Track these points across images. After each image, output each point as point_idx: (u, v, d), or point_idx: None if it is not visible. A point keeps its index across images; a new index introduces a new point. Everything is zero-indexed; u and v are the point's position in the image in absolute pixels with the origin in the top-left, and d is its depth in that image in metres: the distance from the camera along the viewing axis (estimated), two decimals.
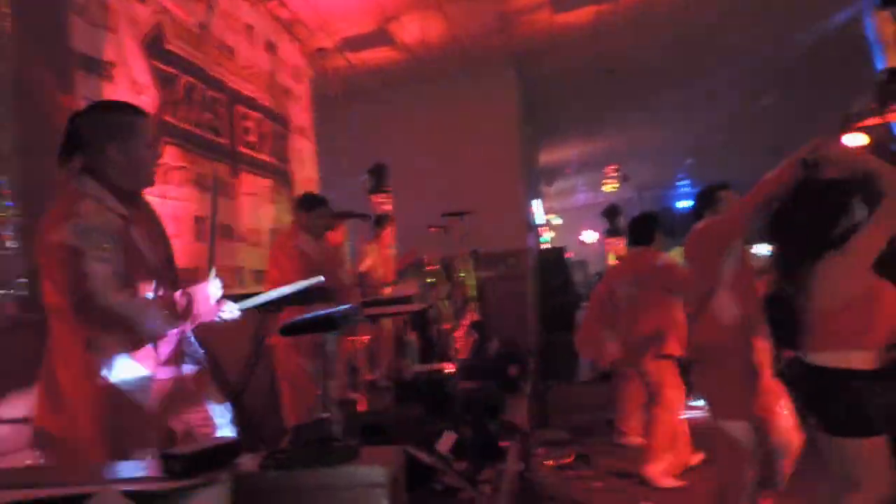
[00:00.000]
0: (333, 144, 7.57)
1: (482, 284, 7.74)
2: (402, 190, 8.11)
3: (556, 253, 12.88)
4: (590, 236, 18.85)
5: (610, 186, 14.07)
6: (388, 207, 7.85)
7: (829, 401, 2.62)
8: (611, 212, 8.36)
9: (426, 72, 9.02)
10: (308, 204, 4.50)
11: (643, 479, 5.12)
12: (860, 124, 2.23)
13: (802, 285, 2.68)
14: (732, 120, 13.40)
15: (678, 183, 19.34)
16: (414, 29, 7.96)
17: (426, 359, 6.16)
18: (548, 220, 18.41)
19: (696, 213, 3.98)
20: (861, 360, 2.56)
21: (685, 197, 20.06)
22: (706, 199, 3.93)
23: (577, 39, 8.88)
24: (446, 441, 4.02)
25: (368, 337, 5.42)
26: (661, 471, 5.10)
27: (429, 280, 6.05)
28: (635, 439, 5.89)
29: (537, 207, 14.26)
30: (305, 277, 4.30)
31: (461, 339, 6.87)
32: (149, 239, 2.21)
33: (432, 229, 6.26)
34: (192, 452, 1.47)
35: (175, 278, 2.31)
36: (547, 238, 17.22)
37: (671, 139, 14.47)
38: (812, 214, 2.68)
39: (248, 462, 1.59)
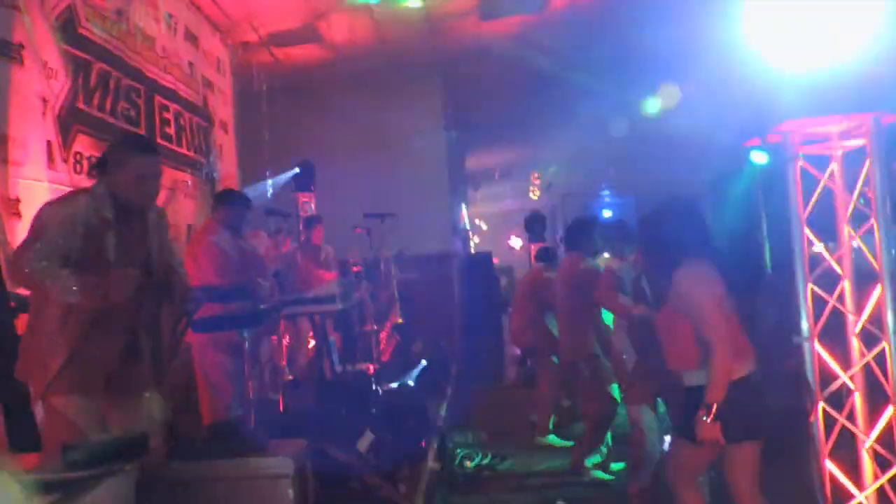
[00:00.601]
0: (256, 140, 7.44)
1: (406, 286, 7.74)
2: (326, 189, 8.04)
3: (483, 258, 13.02)
4: (516, 242, 19.13)
5: (534, 193, 14.34)
6: (312, 206, 7.77)
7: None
8: (534, 219, 8.53)
9: (353, 71, 8.97)
10: (227, 199, 4.41)
11: (575, 469, 5.18)
12: (745, 143, 2.37)
13: None
14: (648, 129, 13.85)
15: (601, 192, 19.82)
16: (342, 28, 7.91)
17: (349, 359, 6.12)
18: (475, 225, 18.61)
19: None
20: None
21: (608, 206, 20.61)
22: None
23: (503, 48, 9.02)
24: (365, 440, 4.02)
25: (288, 336, 5.35)
26: (594, 462, 5.19)
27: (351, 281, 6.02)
28: (552, 438, 6.02)
29: (465, 212, 14.39)
30: (222, 273, 4.24)
31: (384, 340, 6.87)
32: (126, 243, 2.65)
33: (357, 230, 6.23)
34: (95, 444, 1.42)
35: (148, 278, 2.65)
36: (474, 243, 17.40)
37: (592, 148, 14.84)
38: None
39: (154, 454, 1.55)
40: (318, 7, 7.28)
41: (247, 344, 2.63)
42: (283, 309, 4.10)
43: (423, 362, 6.48)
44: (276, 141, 7.81)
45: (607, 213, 20.43)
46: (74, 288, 2.43)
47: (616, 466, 5.18)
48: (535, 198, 14.59)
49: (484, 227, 18.76)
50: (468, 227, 15.01)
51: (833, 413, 2.18)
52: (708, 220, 2.80)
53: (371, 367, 5.51)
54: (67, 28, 4.04)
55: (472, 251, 14.97)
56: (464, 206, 14.43)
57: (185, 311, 2.63)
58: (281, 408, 4.78)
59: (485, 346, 9.04)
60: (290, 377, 5.40)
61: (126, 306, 2.54)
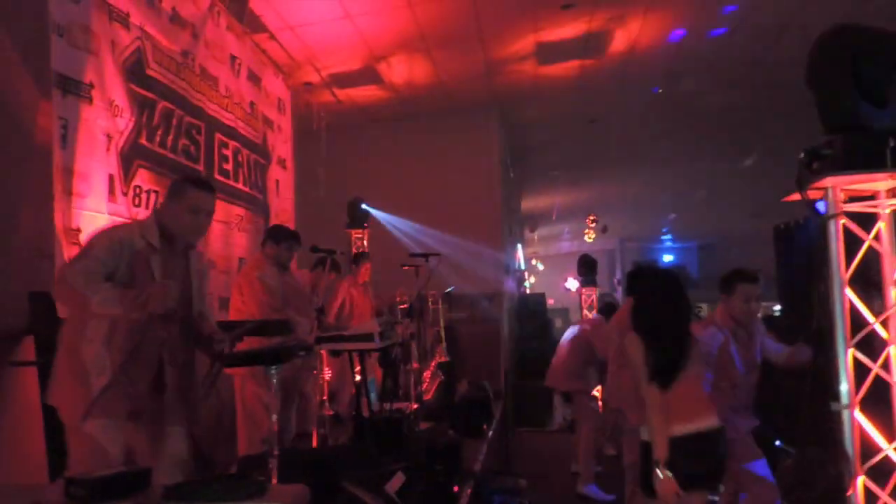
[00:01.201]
0: (313, 177, 7.63)
1: (453, 325, 7.72)
2: (378, 227, 8.15)
3: (536, 299, 12.93)
4: (573, 284, 18.94)
5: (588, 236, 14.18)
6: (365, 243, 7.87)
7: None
8: (584, 263, 8.43)
9: (411, 111, 9.16)
10: (276, 235, 4.52)
11: None
12: (785, 199, 2.29)
13: None
14: (713, 179, 13.63)
15: (662, 237, 19.51)
16: (401, 70, 8.11)
17: (391, 397, 6.12)
18: (531, 265, 18.50)
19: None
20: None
21: (667, 251, 20.25)
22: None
23: (562, 90, 9.06)
24: (396, 482, 3.98)
25: (330, 372, 5.38)
26: None
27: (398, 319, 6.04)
28: (598, 491, 5.85)
29: (520, 252, 14.34)
30: (266, 308, 4.33)
31: (427, 379, 6.83)
32: (170, 271, 2.73)
33: (405, 268, 6.27)
34: (98, 478, 1.45)
35: (186, 314, 2.75)
36: (529, 283, 17.28)
37: (654, 193, 14.67)
38: None
39: (151, 492, 1.57)
40: (377, 50, 7.49)
41: (274, 379, 2.63)
42: (315, 346, 4.13)
43: (466, 404, 6.40)
44: (332, 178, 7.99)
45: (668, 258, 20.14)
46: (113, 297, 2.48)
47: None
48: (591, 240, 14.43)
49: (541, 267, 18.62)
50: (523, 267, 14.92)
51: (874, 488, 2.05)
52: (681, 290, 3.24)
53: (411, 406, 5.48)
54: (136, 69, 4.26)
55: (528, 291, 14.88)
56: (520, 246, 14.39)
57: (218, 351, 2.66)
58: (315, 443, 4.81)
59: (533, 389, 8.90)
60: (331, 412, 5.41)
61: (161, 326, 2.58)
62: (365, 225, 7.71)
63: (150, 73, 4.43)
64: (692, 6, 6.97)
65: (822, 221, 2.21)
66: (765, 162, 11.77)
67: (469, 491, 4.57)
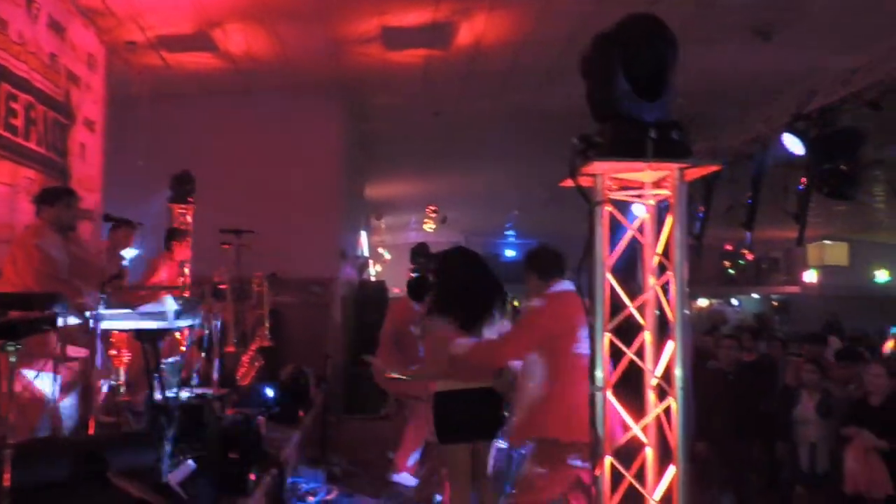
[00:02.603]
0: (133, 145, 7.05)
1: (280, 309, 7.46)
2: (206, 203, 7.70)
3: (377, 286, 12.85)
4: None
5: (428, 226, 14.32)
6: (189, 219, 7.40)
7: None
8: (418, 251, 8.45)
9: (250, 86, 8.73)
10: (48, 198, 4.07)
11: None
12: (561, 184, 2.34)
13: None
14: (554, 178, 14.18)
15: (506, 232, 20.09)
16: (239, 40, 7.68)
17: (201, 382, 5.78)
18: (377, 254, 18.40)
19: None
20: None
21: (511, 247, 20.91)
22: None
23: (409, 79, 9.00)
24: (180, 472, 3.72)
25: (129, 354, 4.97)
26: None
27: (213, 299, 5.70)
28: (408, 478, 5.85)
29: (363, 239, 14.20)
30: (44, 279, 3.90)
31: (246, 364, 6.54)
32: None
33: (225, 246, 5.95)
34: None
35: None
36: (375, 271, 17.18)
37: (498, 189, 15.03)
38: None
39: None
40: (211, 14, 7.04)
41: (12, 357, 2.32)
42: (99, 322, 3.77)
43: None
44: (158, 148, 7.43)
45: (511, 253, 20.81)
46: None
47: None
48: (431, 230, 14.58)
49: (387, 256, 18.59)
50: (367, 254, 14.80)
51: (620, 469, 2.11)
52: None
53: (218, 391, 5.21)
54: None
55: (373, 279, 14.77)
56: (364, 233, 14.25)
57: None
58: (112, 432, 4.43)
59: (368, 376, 8.81)
60: (127, 398, 5.01)
61: None
62: (189, 199, 7.23)
63: None
64: (535, 7, 7.11)
65: (589, 207, 2.25)
66: None
67: (269, 479, 4.38)
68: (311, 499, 5.01)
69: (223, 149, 8.44)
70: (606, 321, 2.20)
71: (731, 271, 17.77)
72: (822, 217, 14.66)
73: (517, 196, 15.72)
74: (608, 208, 2.25)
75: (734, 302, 21.00)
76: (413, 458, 6.10)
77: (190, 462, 3.79)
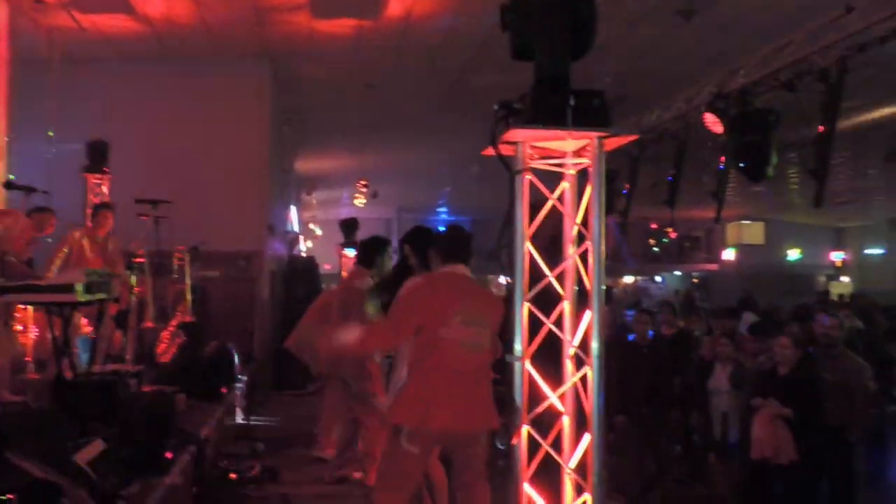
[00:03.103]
0: (43, 112, 6.66)
1: (203, 284, 7.23)
2: (125, 173, 7.37)
3: (306, 262, 12.64)
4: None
5: (359, 200, 14.17)
6: (105, 189, 7.07)
7: None
8: (347, 224, 8.33)
9: (171, 52, 8.35)
10: None
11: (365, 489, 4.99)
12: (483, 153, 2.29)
13: None
14: (486, 156, 14.21)
15: (438, 209, 20.07)
16: (157, 2, 7.32)
17: (116, 358, 5.56)
18: (308, 229, 18.10)
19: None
20: None
21: (443, 223, 20.95)
22: None
23: (338, 50, 8.79)
24: (89, 451, 3.56)
25: (37, 331, 4.73)
26: None
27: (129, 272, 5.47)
28: (329, 452, 5.81)
29: (293, 214, 13.93)
30: None
31: (166, 340, 6.33)
32: None
33: (142, 217, 5.70)
34: None
35: None
36: (306, 247, 16.91)
37: (430, 165, 14.96)
38: None
39: None
40: None
41: None
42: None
43: (208, 367, 6.03)
44: (69, 113, 7.03)
45: (443, 230, 20.87)
46: None
47: None
48: (362, 205, 14.43)
49: (319, 231, 18.31)
50: (297, 229, 14.54)
51: (537, 437, 2.12)
52: None
53: (132, 368, 5.02)
54: None
55: (303, 255, 14.53)
56: (294, 208, 13.97)
57: None
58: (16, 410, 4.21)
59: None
60: (37, 376, 4.78)
61: None
62: (105, 170, 6.90)
63: None
64: None
65: (511, 176, 2.23)
66: None
67: (188, 457, 4.26)
68: (232, 476, 4.89)
69: (141, 117, 8.08)
70: (525, 291, 2.20)
71: (655, 249, 18.31)
72: (740, 198, 15.23)
73: (450, 172, 15.69)
74: (529, 177, 2.23)
75: (658, 279, 21.68)
76: (335, 435, 6.08)
77: (99, 441, 3.63)
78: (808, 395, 5.22)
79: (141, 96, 8.14)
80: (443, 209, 19.49)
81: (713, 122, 6.09)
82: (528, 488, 2.16)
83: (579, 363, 2.23)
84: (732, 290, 16.78)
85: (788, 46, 5.95)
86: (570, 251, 2.30)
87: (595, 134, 2.16)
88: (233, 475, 4.90)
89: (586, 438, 2.15)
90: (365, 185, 13.39)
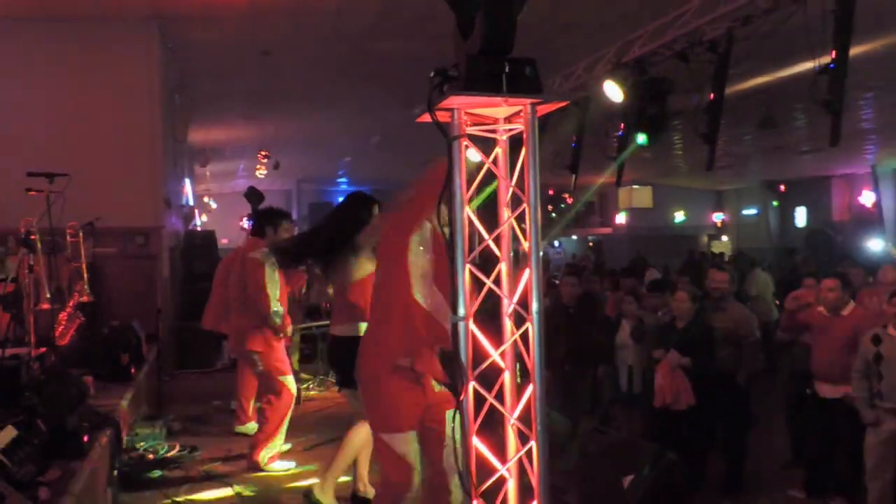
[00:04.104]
0: None
1: (99, 262, 6.87)
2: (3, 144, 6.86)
3: (204, 236, 12.21)
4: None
5: (260, 171, 13.81)
6: None
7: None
8: (252, 195, 8.12)
9: (49, 13, 7.75)
10: None
11: (251, 464, 5.00)
12: (418, 119, 2.33)
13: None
14: (386, 125, 14.10)
15: (338, 179, 19.82)
16: None
17: (18, 342, 5.24)
18: (202, 203, 17.46)
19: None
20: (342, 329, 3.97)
21: (343, 194, 20.73)
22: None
23: (233, 14, 8.45)
24: (2, 438, 3.38)
25: None
26: (270, 456, 5.05)
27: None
28: (252, 426, 5.77)
29: (188, 187, 13.38)
30: None
31: (64, 321, 6.00)
32: None
33: (31, 193, 5.33)
34: None
35: None
36: (201, 222, 16.32)
37: (330, 134, 14.73)
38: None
39: None
40: None
41: None
42: None
43: (111, 347, 5.78)
44: None
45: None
46: None
47: None
48: (262, 177, 14.08)
49: (214, 205, 17.70)
50: (192, 203, 13.99)
51: (482, 391, 2.22)
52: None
53: (35, 351, 4.75)
54: None
55: (200, 230, 14.01)
56: (188, 181, 13.42)
57: None
58: None
59: (199, 329, 8.44)
60: None
61: None
62: None
63: None
64: None
65: (447, 142, 2.28)
66: None
67: (105, 439, 4.11)
68: (151, 457, 4.76)
69: (22, 83, 7.50)
70: (466, 254, 2.27)
71: (553, 215, 18.94)
72: (630, 164, 15.96)
73: (350, 141, 15.50)
74: (465, 143, 2.30)
75: (555, 244, 22.46)
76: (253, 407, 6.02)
77: (10, 427, 3.45)
78: (703, 345, 5.65)
79: (20, 61, 7.54)
80: (343, 180, 19.27)
81: (612, 91, 6.36)
82: (476, 441, 2.27)
83: (519, 321, 2.33)
84: (624, 252, 17.63)
85: (682, 17, 6.26)
86: (506, 214, 2.39)
87: (529, 101, 2.24)
88: (151, 455, 4.77)
89: (530, 389, 2.27)
90: (266, 156, 13.02)
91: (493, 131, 2.43)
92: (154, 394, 6.57)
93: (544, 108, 2.32)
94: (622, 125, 6.97)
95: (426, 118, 2.31)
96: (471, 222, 2.35)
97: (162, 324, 7.55)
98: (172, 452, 4.97)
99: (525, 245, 2.29)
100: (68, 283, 6.17)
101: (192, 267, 10.99)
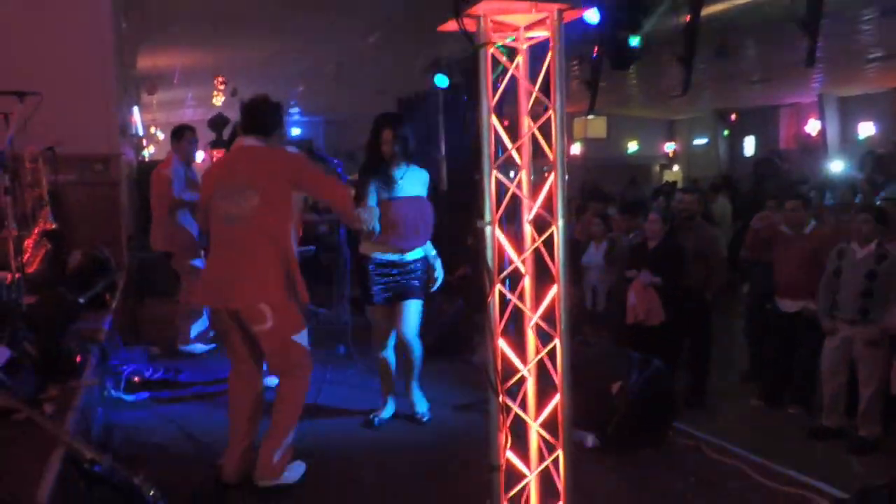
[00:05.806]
0: None
1: (61, 190, 6.65)
2: None
3: (155, 167, 11.85)
4: (199, 155, 17.80)
5: (217, 98, 13.37)
6: None
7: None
8: (217, 122, 7.89)
9: None
10: None
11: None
12: (440, 28, 2.34)
13: None
14: (341, 54, 13.71)
15: (290, 110, 19.29)
16: None
17: None
18: (150, 133, 16.85)
19: None
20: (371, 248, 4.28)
21: (295, 125, 20.24)
22: None
23: None
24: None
25: None
26: None
27: None
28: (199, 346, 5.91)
29: (136, 116, 12.88)
30: None
31: (30, 248, 5.84)
32: None
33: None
34: None
35: None
36: (148, 153, 15.81)
37: (283, 63, 14.27)
38: None
39: None
40: None
41: None
42: None
43: (84, 274, 5.68)
44: None
45: (296, 131, 20.15)
46: None
47: None
48: (219, 104, 13.64)
49: (161, 136, 17.10)
50: (141, 133, 13.50)
51: (507, 293, 2.30)
52: None
53: (10, 276, 4.63)
54: None
55: (147, 160, 13.57)
56: (136, 109, 12.92)
57: None
58: None
59: (158, 258, 8.32)
60: None
61: None
62: None
63: None
64: None
65: (473, 51, 2.29)
66: (388, 40, 12.18)
67: (95, 362, 4.09)
68: (136, 379, 4.76)
69: None
70: (493, 160, 2.32)
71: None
72: (583, 94, 16.01)
73: (302, 71, 15.05)
74: (491, 50, 2.30)
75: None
76: (197, 328, 6.14)
77: (4, 348, 3.41)
78: (674, 264, 5.89)
79: None
80: (295, 110, 18.79)
81: (590, 15, 6.34)
82: (501, 343, 2.36)
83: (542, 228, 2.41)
84: (579, 182, 17.85)
85: None
86: (526, 125, 2.43)
87: (555, 6, 2.26)
88: (136, 378, 4.77)
89: (553, 289, 2.36)
90: (223, 83, 12.57)
91: (516, 39, 2.44)
92: (129, 320, 6.51)
93: (570, 14, 2.33)
94: (595, 49, 6.99)
95: (450, 26, 2.30)
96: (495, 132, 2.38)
97: (129, 252, 7.42)
98: (158, 374, 4.98)
99: (550, 155, 2.34)
100: (32, 211, 5.97)
101: (143, 197, 10.73)
